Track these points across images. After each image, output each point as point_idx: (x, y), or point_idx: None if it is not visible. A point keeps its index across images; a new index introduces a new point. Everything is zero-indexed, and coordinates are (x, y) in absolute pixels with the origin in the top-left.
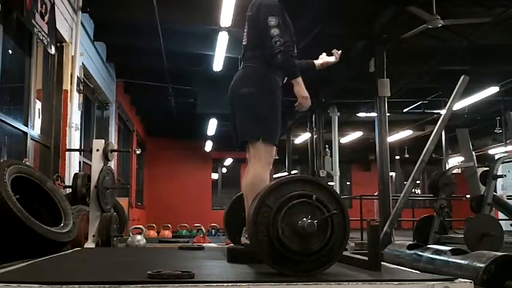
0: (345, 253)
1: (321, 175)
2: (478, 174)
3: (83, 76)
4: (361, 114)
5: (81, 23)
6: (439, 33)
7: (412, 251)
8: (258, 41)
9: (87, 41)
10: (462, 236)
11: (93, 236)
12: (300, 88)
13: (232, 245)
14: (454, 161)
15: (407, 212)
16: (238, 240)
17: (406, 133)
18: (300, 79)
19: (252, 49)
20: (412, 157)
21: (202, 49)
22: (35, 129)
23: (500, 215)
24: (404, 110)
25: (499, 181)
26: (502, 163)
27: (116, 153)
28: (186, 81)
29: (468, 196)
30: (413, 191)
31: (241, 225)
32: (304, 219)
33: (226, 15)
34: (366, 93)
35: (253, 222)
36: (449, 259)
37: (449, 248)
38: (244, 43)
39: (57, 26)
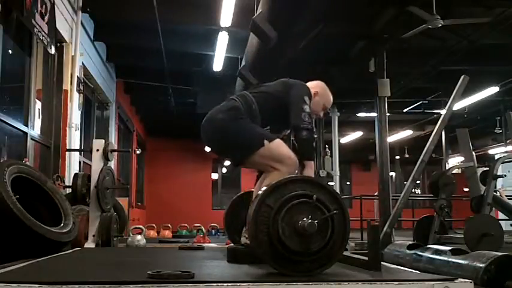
0: (345, 253)
1: (321, 175)
2: (478, 174)
3: (83, 76)
4: (361, 114)
5: (81, 23)
6: (439, 33)
7: (412, 251)
8: (269, 105)
9: (87, 41)
10: (462, 236)
11: (93, 236)
12: (311, 171)
13: (232, 245)
14: (454, 161)
15: (407, 212)
16: (238, 240)
17: (406, 133)
18: (312, 163)
19: (253, 96)
20: (412, 157)
21: (202, 49)
22: (35, 129)
23: (500, 215)
24: (404, 110)
25: (499, 181)
26: (502, 163)
27: (116, 153)
28: (186, 81)
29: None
30: (413, 191)
31: (242, 226)
32: (305, 219)
33: (226, 15)
34: (366, 93)
35: (253, 222)
36: (449, 259)
37: (449, 248)
38: (254, 86)
39: (57, 26)
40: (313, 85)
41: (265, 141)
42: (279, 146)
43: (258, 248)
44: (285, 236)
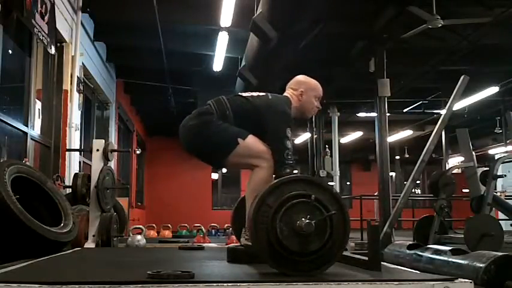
0: (345, 253)
1: (321, 175)
2: (478, 174)
3: (83, 76)
4: (361, 114)
5: (81, 23)
6: (439, 33)
7: (412, 251)
8: (245, 116)
9: (87, 41)
10: (462, 236)
11: (93, 236)
12: None
13: (232, 245)
14: (454, 161)
15: (407, 212)
16: None
17: (406, 133)
18: None
19: (229, 102)
20: (412, 157)
21: (202, 49)
22: (35, 129)
23: (500, 215)
24: (404, 110)
25: (499, 181)
26: (502, 163)
27: (116, 153)
28: (186, 81)
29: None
30: (413, 191)
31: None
32: (303, 219)
33: (226, 15)
34: (366, 93)
35: (253, 221)
36: (449, 259)
37: (449, 248)
38: (234, 95)
39: (57, 26)
40: (294, 86)
41: (239, 140)
42: (254, 142)
43: (257, 247)
44: (283, 235)
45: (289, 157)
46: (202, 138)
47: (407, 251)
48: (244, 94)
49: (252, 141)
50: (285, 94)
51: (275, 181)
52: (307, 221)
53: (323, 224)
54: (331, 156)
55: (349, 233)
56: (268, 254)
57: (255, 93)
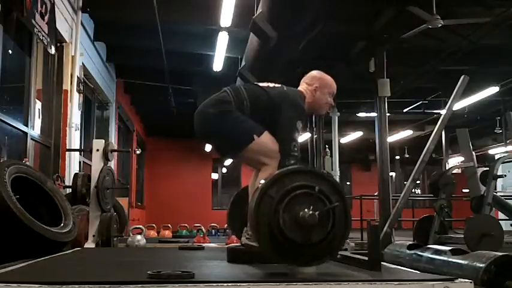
0: (345, 253)
1: None
2: (478, 174)
3: (83, 76)
4: (361, 114)
5: (81, 23)
6: (439, 33)
7: (412, 251)
8: (260, 106)
9: (87, 41)
10: (462, 236)
11: (93, 236)
12: None
13: (232, 245)
14: (454, 161)
15: (407, 212)
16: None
17: (406, 133)
18: None
19: (247, 92)
20: (412, 157)
21: (202, 49)
22: (35, 129)
23: (500, 215)
24: (404, 110)
25: (499, 181)
26: (502, 163)
27: (116, 153)
28: (186, 81)
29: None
30: (413, 191)
31: (244, 222)
32: (306, 210)
33: (226, 15)
34: (366, 93)
35: (255, 212)
36: (449, 259)
37: (449, 248)
38: (251, 83)
39: (57, 26)
40: (309, 81)
41: (255, 136)
42: (268, 141)
43: (258, 238)
44: (286, 226)
45: (295, 149)
46: (219, 128)
47: (407, 251)
48: (261, 84)
49: (266, 140)
50: (299, 88)
51: (276, 173)
52: (311, 212)
53: (326, 215)
54: (331, 156)
55: (350, 226)
56: (269, 245)
57: (271, 84)
